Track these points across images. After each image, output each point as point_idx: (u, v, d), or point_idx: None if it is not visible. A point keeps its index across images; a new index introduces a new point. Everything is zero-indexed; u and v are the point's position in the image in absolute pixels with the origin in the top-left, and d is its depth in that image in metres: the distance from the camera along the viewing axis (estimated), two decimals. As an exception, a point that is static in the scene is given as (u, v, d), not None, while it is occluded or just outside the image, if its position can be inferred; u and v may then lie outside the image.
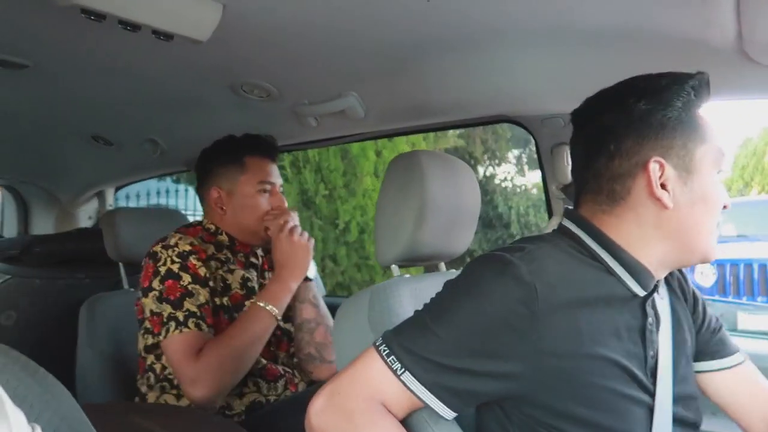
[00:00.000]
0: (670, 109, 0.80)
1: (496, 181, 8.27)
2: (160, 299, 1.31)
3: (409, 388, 0.75)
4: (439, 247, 1.09)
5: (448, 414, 0.77)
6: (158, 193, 5.88)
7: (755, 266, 5.45)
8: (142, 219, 1.75)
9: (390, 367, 0.76)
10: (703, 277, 5.59)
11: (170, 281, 1.32)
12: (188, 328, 1.29)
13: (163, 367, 1.37)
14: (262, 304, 1.34)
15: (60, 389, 0.59)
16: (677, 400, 0.83)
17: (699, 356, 0.96)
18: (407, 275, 1.08)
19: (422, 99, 1.44)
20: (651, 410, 0.79)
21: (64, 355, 1.58)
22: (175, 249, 1.36)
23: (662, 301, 0.89)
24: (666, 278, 0.92)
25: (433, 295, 0.82)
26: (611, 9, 1.00)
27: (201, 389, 1.24)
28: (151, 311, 1.31)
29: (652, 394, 0.80)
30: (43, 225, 2.63)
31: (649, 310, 0.83)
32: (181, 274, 1.33)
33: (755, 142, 10.20)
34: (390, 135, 1.87)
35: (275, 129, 1.74)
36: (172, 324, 1.29)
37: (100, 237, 1.81)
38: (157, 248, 1.37)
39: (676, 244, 0.83)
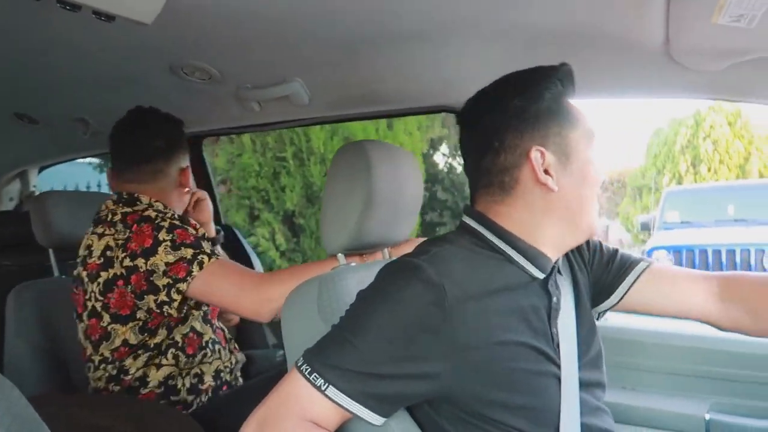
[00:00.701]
0: (541, 102, 0.88)
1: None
2: (175, 247, 1.26)
3: (335, 402, 0.77)
4: (384, 235, 1.11)
5: (378, 420, 0.79)
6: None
7: (709, 252, 5.82)
8: (75, 203, 1.65)
9: (313, 385, 0.78)
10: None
11: (179, 230, 1.29)
12: (219, 257, 1.28)
13: (113, 352, 1.32)
14: None
15: (7, 385, 0.57)
16: (582, 366, 0.90)
17: (611, 288, 1.03)
18: (353, 263, 1.10)
19: (369, 88, 1.45)
20: (559, 381, 0.86)
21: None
22: (167, 211, 1.35)
23: (564, 279, 0.97)
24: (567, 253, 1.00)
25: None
26: (552, 8, 1.04)
27: (271, 304, 1.21)
28: (167, 263, 1.25)
29: (559, 366, 0.87)
30: (-41, 206, 2.46)
31: (552, 290, 0.90)
32: (185, 227, 1.31)
33: (666, 131, 10.80)
34: (335, 121, 1.87)
35: (217, 111, 1.71)
36: (204, 257, 1.26)
37: (26, 221, 1.71)
38: (148, 212, 1.32)
39: (566, 224, 0.90)
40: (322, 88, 1.46)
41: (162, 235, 1.27)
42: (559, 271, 0.94)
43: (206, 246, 1.30)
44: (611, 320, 1.54)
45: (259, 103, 1.57)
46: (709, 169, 9.87)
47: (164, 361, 1.34)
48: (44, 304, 1.55)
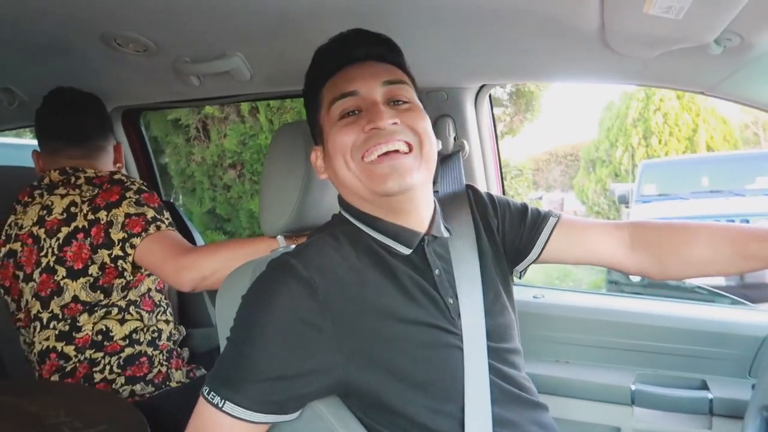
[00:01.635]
0: (307, 103, 0.97)
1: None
2: (139, 203, 1.32)
3: (235, 417, 0.76)
4: (322, 216, 1.11)
5: (289, 417, 0.80)
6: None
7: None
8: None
9: (215, 406, 0.76)
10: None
11: (146, 194, 1.35)
12: (174, 230, 1.33)
13: (63, 308, 1.32)
14: None
15: None
16: (489, 333, 0.89)
17: (528, 245, 1.04)
18: (292, 246, 1.09)
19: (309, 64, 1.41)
20: (461, 350, 0.86)
21: None
22: (137, 180, 1.41)
23: (459, 239, 0.96)
24: (472, 217, 1.00)
25: None
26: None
27: (190, 273, 1.25)
28: (127, 214, 1.30)
29: (459, 335, 0.86)
30: None
31: (432, 260, 0.90)
32: (152, 192, 1.38)
33: (617, 105, 11.05)
34: (278, 97, 1.83)
35: (154, 85, 1.65)
36: (161, 223, 1.32)
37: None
38: (117, 176, 1.38)
39: (358, 202, 0.91)
40: (264, 64, 1.42)
41: (129, 194, 1.33)
42: (437, 237, 0.92)
43: (167, 215, 1.36)
44: (547, 297, 1.60)
45: (199, 77, 1.52)
46: (659, 141, 10.12)
47: (128, 317, 1.37)
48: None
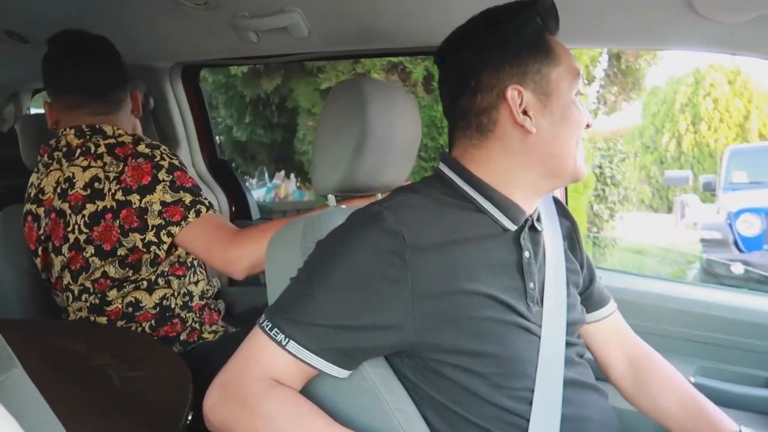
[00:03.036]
0: (519, 38, 0.83)
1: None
2: (174, 188, 1.24)
3: (296, 356, 0.75)
4: (376, 179, 1.07)
5: (342, 374, 0.78)
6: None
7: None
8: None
9: (274, 340, 0.75)
10: (748, 227, 5.48)
11: (178, 172, 1.27)
12: (216, 212, 1.27)
13: (93, 283, 1.30)
14: None
15: None
16: (567, 326, 0.89)
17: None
18: (344, 206, 1.06)
19: (369, 21, 1.37)
20: (537, 336, 0.84)
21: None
22: (161, 148, 1.30)
23: (549, 235, 0.94)
24: (558, 221, 0.99)
25: None
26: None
27: (240, 264, 1.21)
28: (164, 202, 1.22)
29: (535, 322, 0.85)
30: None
31: (524, 243, 0.87)
32: (183, 169, 1.29)
33: (664, 90, 10.54)
34: (334, 58, 1.80)
35: (213, 41, 1.64)
36: (201, 207, 1.25)
37: (16, 143, 1.67)
38: (142, 149, 1.27)
39: (544, 167, 0.86)
40: (322, 20, 1.38)
41: (162, 175, 1.24)
42: (534, 227, 0.90)
43: (204, 196, 1.28)
44: (605, 279, 1.52)
45: (257, 33, 1.50)
46: (709, 128, 9.69)
47: (155, 287, 1.34)
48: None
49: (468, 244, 0.81)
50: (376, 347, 0.79)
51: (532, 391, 0.81)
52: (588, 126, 0.87)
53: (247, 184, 4.39)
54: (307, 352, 0.75)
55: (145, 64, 1.88)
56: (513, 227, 0.86)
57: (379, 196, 1.18)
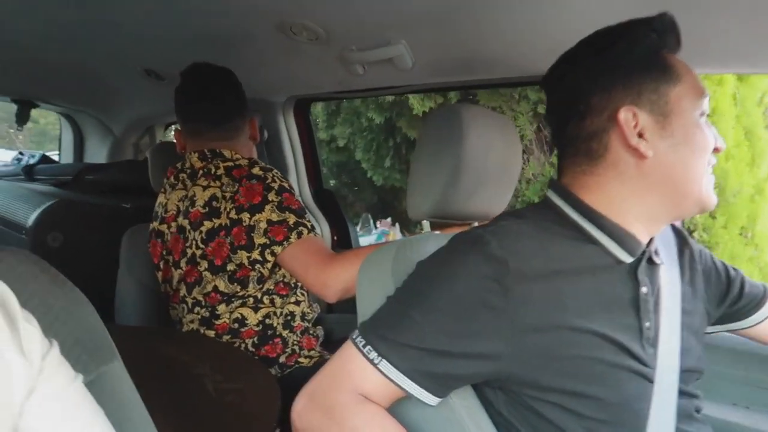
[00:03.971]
0: (632, 56, 0.77)
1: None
2: (281, 208, 1.31)
3: (387, 377, 0.73)
4: (472, 207, 1.06)
5: (431, 400, 0.75)
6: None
7: None
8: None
9: (366, 357, 0.74)
10: None
11: (287, 194, 1.34)
12: (317, 235, 1.33)
13: (205, 296, 1.38)
14: None
15: (84, 303, 0.60)
16: (682, 371, 0.81)
17: (735, 317, 0.99)
18: (437, 232, 1.05)
19: (473, 51, 1.37)
20: (651, 382, 0.77)
21: (106, 279, 1.64)
22: (273, 171, 1.38)
23: (666, 269, 0.85)
24: (676, 252, 0.91)
25: None
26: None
27: (333, 288, 1.25)
28: (270, 221, 1.30)
29: (650, 366, 0.77)
30: (96, 154, 2.71)
31: (642, 278, 0.79)
32: (292, 191, 1.37)
33: None
34: (438, 89, 1.82)
35: (322, 75, 1.72)
36: (304, 229, 1.31)
37: (146, 169, 1.85)
38: (256, 171, 1.36)
39: (664, 195, 0.79)
40: (425, 51, 1.40)
41: (271, 196, 1.32)
42: (652, 260, 0.82)
43: (308, 218, 1.34)
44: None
45: (364, 66, 1.56)
46: None
47: (260, 305, 1.40)
48: (152, 246, 1.66)
49: (577, 276, 0.76)
50: (470, 375, 0.76)
51: None
52: (717, 150, 0.80)
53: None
54: (399, 373, 0.73)
55: (260, 98, 2.02)
56: (629, 259, 0.79)
57: (476, 225, 1.16)
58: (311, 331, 1.52)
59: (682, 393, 0.81)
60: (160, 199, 1.53)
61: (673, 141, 0.77)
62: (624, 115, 0.76)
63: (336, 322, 1.79)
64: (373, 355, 0.74)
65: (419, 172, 1.03)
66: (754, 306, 0.99)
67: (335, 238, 2.22)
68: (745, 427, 1.25)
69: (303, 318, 1.49)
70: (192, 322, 1.41)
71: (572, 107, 0.81)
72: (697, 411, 0.85)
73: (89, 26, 1.63)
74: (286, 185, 1.36)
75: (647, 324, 0.78)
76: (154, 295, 1.61)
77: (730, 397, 1.32)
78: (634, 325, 0.78)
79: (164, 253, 1.47)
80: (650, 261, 0.82)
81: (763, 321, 1.00)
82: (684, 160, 0.77)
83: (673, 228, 0.97)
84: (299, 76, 1.79)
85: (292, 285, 1.46)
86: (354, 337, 0.77)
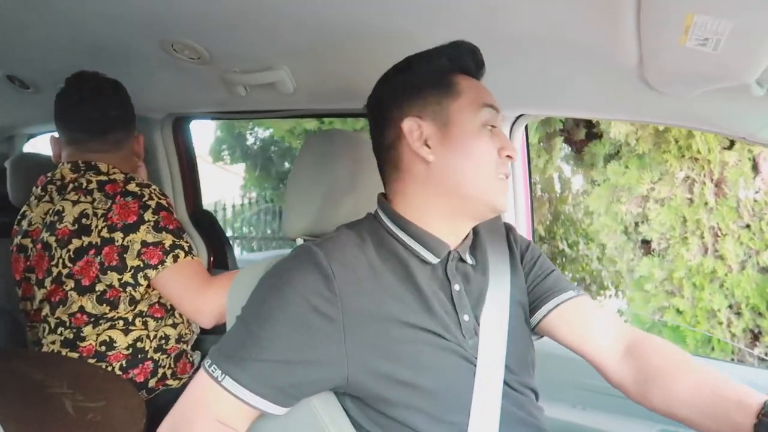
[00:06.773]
0: (424, 76, 0.90)
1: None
2: (158, 229, 1.26)
3: (232, 394, 0.75)
4: (341, 223, 1.12)
5: (278, 411, 0.78)
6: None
7: None
8: (48, 167, 1.65)
9: (212, 377, 0.76)
10: None
11: (164, 213, 1.29)
12: (195, 257, 1.28)
13: (70, 317, 1.30)
14: None
15: None
16: (509, 361, 0.89)
17: (539, 303, 1.01)
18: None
19: (352, 82, 1.45)
20: (474, 365, 0.85)
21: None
22: (152, 187, 1.33)
23: (492, 267, 0.96)
24: (507, 251, 1.01)
25: None
26: (529, 16, 1.05)
27: (208, 315, 1.24)
28: (144, 242, 1.24)
29: (471, 353, 0.86)
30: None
31: (453, 276, 0.89)
32: (170, 210, 1.32)
33: None
34: (319, 115, 1.88)
35: (204, 94, 1.72)
36: (180, 252, 1.26)
37: (3, 182, 1.72)
38: (132, 188, 1.30)
39: (449, 197, 0.89)
40: (307, 79, 1.46)
41: (148, 215, 1.27)
42: (461, 259, 0.93)
43: (185, 239, 1.30)
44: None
45: (246, 87, 1.58)
46: None
47: (132, 327, 1.34)
48: (5, 263, 1.54)
49: (395, 276, 0.85)
50: (312, 382, 0.80)
51: (467, 423, 0.82)
52: (509, 157, 0.91)
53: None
54: (242, 388, 0.75)
55: (137, 114, 1.95)
56: (434, 260, 0.89)
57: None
58: (188, 356, 1.47)
59: (511, 379, 0.89)
60: (24, 209, 1.43)
61: (452, 147, 0.88)
62: (408, 124, 0.88)
63: (212, 343, 1.75)
64: (218, 373, 0.76)
65: (296, 193, 1.07)
66: (549, 296, 1.01)
67: (212, 258, 2.18)
68: (584, 426, 1.41)
69: (179, 340, 1.44)
70: (53, 343, 1.32)
71: (377, 121, 0.94)
72: (525, 394, 0.91)
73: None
74: (164, 203, 1.32)
75: (465, 317, 0.88)
76: (8, 316, 1.49)
77: (569, 401, 1.48)
78: (454, 318, 0.87)
79: (26, 270, 1.37)
80: (461, 258, 0.93)
81: (552, 310, 1.00)
82: (462, 165, 0.88)
83: (506, 226, 1.08)
84: (179, 94, 1.78)
85: (168, 307, 1.42)
86: (204, 362, 0.79)
